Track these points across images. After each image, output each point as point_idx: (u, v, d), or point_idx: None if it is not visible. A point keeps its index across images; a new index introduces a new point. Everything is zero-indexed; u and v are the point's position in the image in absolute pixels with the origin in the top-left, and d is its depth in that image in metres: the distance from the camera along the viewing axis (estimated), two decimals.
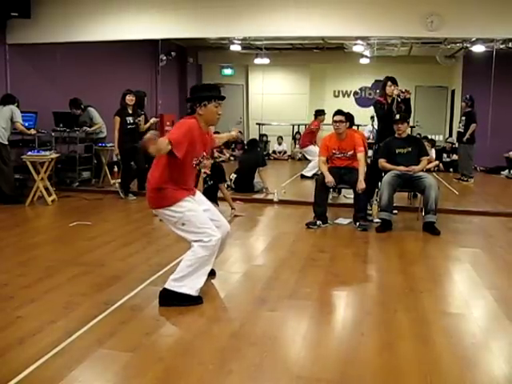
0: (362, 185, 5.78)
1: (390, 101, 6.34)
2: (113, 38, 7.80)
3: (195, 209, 3.55)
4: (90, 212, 6.70)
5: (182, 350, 2.84)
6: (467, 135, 9.54)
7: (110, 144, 8.29)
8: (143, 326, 3.13)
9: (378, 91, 7.66)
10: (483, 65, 8.11)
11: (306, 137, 10.39)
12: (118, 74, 10.29)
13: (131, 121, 7.59)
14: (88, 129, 8.55)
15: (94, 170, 8.91)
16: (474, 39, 9.87)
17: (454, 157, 11.40)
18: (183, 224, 3.49)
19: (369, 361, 2.75)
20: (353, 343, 2.97)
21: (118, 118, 7.51)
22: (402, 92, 6.28)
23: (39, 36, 7.90)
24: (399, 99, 6.29)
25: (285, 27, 7.34)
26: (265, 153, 13.00)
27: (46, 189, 7.15)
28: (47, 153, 7.22)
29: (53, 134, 8.19)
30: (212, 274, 4.03)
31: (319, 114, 10.28)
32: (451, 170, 11.33)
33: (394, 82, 6.41)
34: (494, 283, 4.09)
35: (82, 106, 8.66)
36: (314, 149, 9.74)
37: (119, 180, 7.97)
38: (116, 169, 9.06)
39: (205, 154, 3.67)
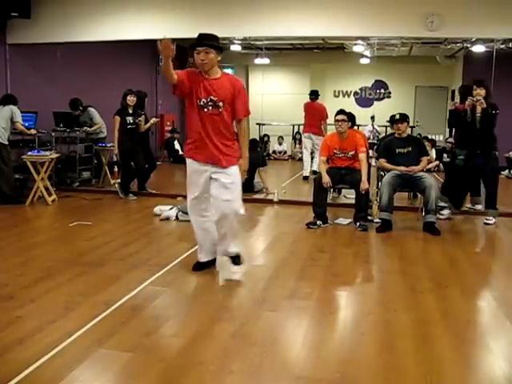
0: (365, 185, 5.78)
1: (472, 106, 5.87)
2: (113, 38, 7.80)
3: (189, 176, 3.96)
4: (90, 212, 6.70)
5: (183, 350, 2.84)
6: None
7: (110, 144, 8.29)
8: (143, 326, 3.13)
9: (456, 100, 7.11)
10: (483, 65, 8.10)
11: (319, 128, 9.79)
12: (119, 74, 10.29)
13: (131, 121, 7.58)
14: (88, 129, 8.55)
15: (94, 170, 8.91)
16: (474, 39, 9.86)
17: None
18: None
19: (369, 361, 2.75)
20: (353, 343, 2.97)
21: (118, 118, 7.50)
22: (474, 101, 5.80)
23: (39, 36, 7.90)
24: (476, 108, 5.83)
25: (285, 27, 7.33)
26: (265, 153, 12.99)
27: (46, 189, 7.15)
28: (47, 153, 7.21)
29: (53, 134, 8.19)
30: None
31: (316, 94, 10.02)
32: None
33: (480, 84, 5.89)
34: (494, 283, 4.09)
35: (81, 108, 8.66)
36: None
37: (119, 180, 7.97)
38: (116, 169, 9.06)
39: (213, 98, 3.77)
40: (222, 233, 3.99)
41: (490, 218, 6.11)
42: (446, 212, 6.34)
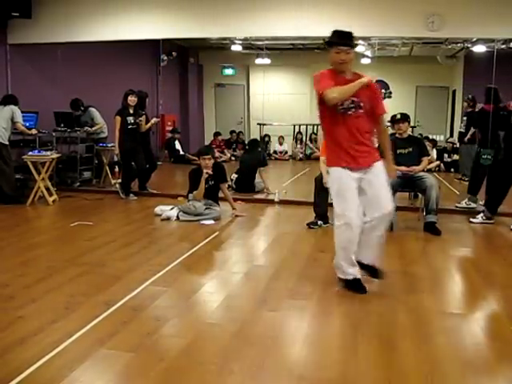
0: None
1: None
2: (114, 38, 7.81)
3: (341, 184, 3.63)
4: (90, 212, 6.70)
5: (184, 350, 2.84)
6: (468, 135, 9.53)
7: (111, 144, 8.29)
8: (144, 326, 3.13)
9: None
10: (484, 65, 8.10)
11: None
12: (119, 74, 10.30)
13: (132, 121, 7.58)
14: (89, 129, 8.56)
15: (95, 170, 8.91)
16: (474, 39, 9.87)
17: (455, 157, 11.39)
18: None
19: (370, 361, 2.75)
20: (353, 343, 2.97)
21: (118, 118, 7.50)
22: None
23: (40, 36, 7.91)
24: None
25: (286, 27, 7.34)
26: (266, 153, 13.00)
27: (47, 189, 7.16)
28: (48, 153, 7.22)
29: (54, 134, 8.19)
30: (372, 274, 3.85)
31: None
32: (452, 170, 11.33)
33: None
34: (495, 283, 4.09)
35: (82, 108, 8.67)
36: None
37: (120, 180, 7.97)
38: (117, 169, 9.07)
39: (355, 99, 3.56)
40: (374, 237, 3.71)
41: None
42: (479, 216, 6.22)
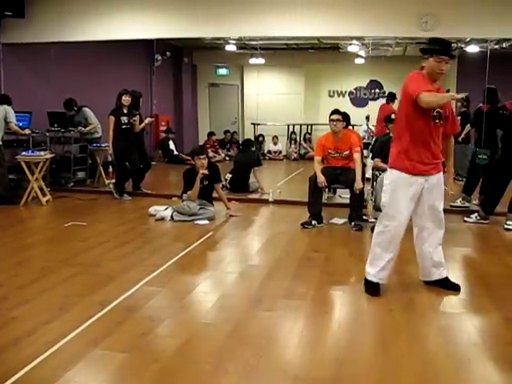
0: (359, 185, 5.79)
1: None
2: (107, 37, 7.78)
3: (397, 191, 3.57)
4: (84, 212, 6.67)
5: (178, 350, 2.84)
6: (462, 135, 9.56)
7: (105, 144, 8.26)
8: (139, 327, 3.13)
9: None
10: (477, 65, 8.14)
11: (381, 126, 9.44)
12: (113, 74, 10.26)
13: (126, 121, 7.55)
14: (83, 129, 8.52)
15: (89, 171, 8.88)
16: (468, 39, 9.89)
17: None
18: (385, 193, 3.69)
19: (365, 360, 2.76)
20: (348, 343, 2.98)
21: (112, 118, 7.48)
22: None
23: (33, 35, 7.87)
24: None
25: (280, 27, 7.34)
26: (260, 153, 13.00)
27: (41, 189, 7.13)
28: (42, 153, 7.19)
29: (47, 134, 8.15)
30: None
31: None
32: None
33: None
34: (491, 283, 4.10)
35: (76, 108, 8.64)
36: None
37: (114, 180, 7.95)
38: (111, 169, 9.04)
39: (441, 110, 3.53)
40: (432, 250, 3.78)
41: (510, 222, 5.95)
42: (473, 216, 6.24)
